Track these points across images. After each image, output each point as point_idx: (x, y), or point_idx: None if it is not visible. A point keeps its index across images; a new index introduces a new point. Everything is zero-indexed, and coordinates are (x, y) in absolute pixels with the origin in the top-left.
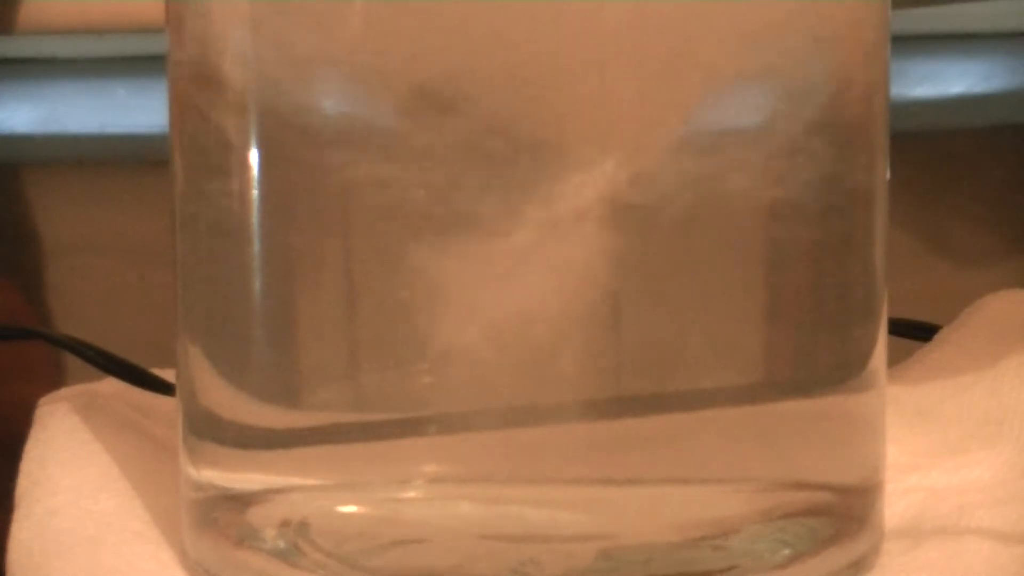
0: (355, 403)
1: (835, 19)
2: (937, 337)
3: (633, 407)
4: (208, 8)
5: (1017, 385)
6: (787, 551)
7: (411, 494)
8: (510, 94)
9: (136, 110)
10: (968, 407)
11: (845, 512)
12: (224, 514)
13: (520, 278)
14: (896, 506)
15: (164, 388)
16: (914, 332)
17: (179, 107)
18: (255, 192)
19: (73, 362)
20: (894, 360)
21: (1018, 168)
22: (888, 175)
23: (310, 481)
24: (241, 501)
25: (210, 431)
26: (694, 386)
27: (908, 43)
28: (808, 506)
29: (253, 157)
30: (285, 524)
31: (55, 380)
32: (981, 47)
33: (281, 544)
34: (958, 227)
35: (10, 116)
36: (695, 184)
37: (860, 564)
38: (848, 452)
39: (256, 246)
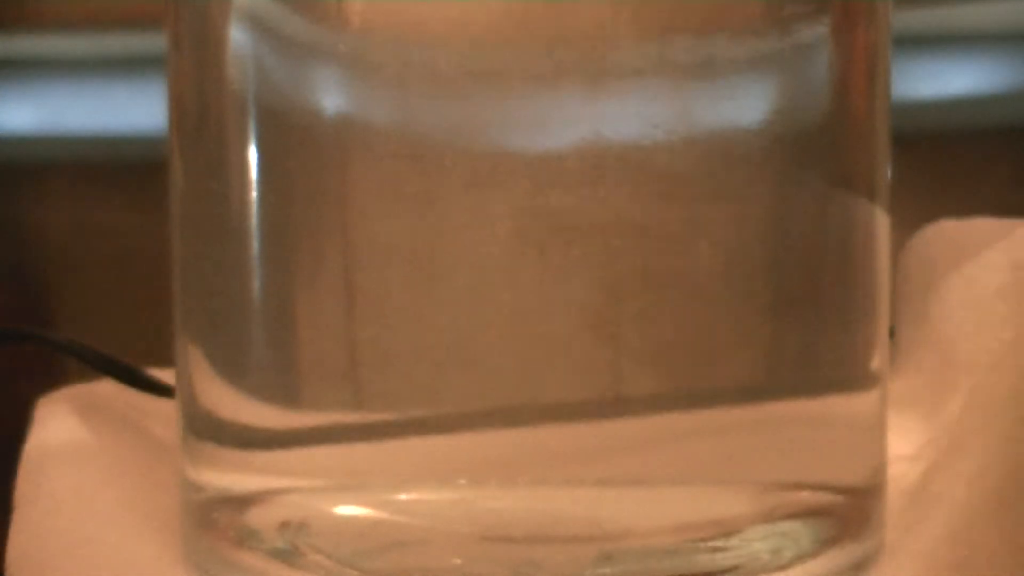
0: (355, 403)
1: (836, 19)
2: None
3: (633, 407)
4: (207, 7)
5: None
6: (789, 552)
7: (411, 495)
8: (509, 85)
9: (136, 110)
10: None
11: (847, 512)
12: (223, 515)
13: (520, 278)
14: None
15: (162, 390)
16: None
17: (179, 107)
18: (254, 192)
19: (72, 362)
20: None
21: (1019, 168)
22: (889, 175)
23: (309, 482)
24: (240, 502)
25: (209, 431)
26: (694, 386)
27: (908, 43)
28: (810, 507)
29: (252, 156)
30: (284, 525)
31: (54, 380)
32: (981, 47)
33: (280, 545)
34: None
35: (10, 116)
36: (695, 184)
37: (862, 565)
38: (849, 452)
39: (255, 246)
